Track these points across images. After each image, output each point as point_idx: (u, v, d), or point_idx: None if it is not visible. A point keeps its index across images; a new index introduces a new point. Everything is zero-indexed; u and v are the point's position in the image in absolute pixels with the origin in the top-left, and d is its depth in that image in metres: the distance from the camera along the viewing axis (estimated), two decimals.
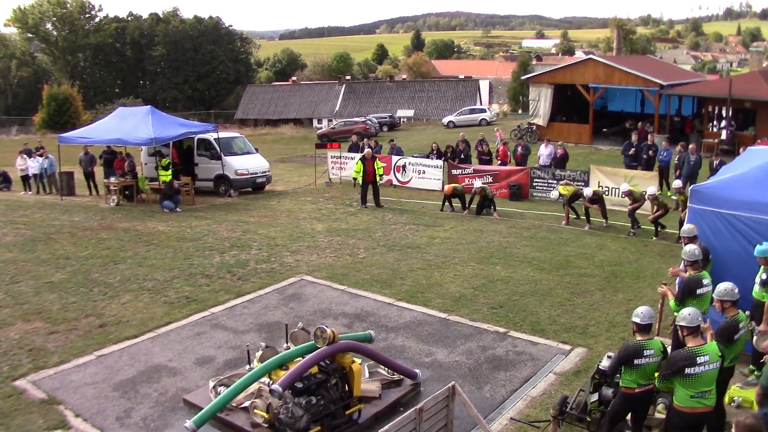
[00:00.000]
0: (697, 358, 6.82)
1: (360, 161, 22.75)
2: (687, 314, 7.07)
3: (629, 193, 18.44)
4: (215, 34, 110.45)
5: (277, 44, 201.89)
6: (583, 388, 8.50)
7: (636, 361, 7.23)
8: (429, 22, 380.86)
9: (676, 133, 33.81)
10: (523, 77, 53.74)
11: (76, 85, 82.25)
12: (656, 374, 7.19)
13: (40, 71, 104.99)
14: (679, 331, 7.27)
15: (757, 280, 9.37)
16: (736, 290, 8.04)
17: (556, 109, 39.47)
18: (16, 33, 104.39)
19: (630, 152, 24.38)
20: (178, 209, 21.91)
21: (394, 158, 26.89)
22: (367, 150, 24.01)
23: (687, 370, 6.79)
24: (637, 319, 7.42)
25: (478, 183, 21.03)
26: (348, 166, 27.63)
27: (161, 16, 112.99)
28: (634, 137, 24.89)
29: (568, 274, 14.60)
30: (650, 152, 23.91)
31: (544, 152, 25.63)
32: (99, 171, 27.09)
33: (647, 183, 19.69)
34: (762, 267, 9.39)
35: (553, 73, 40.61)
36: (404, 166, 26.51)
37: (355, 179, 23.77)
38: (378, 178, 22.84)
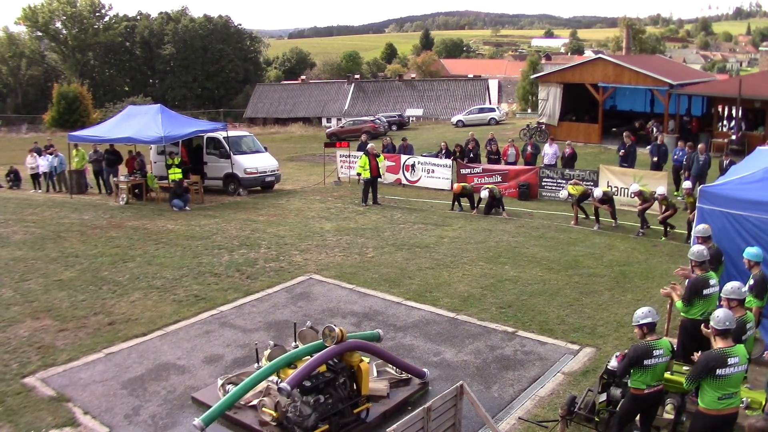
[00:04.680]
0: (728, 359, 6.77)
1: (364, 155, 22.84)
2: (717, 316, 7.01)
3: (639, 194, 18.38)
4: (224, 33, 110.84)
5: (286, 43, 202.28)
6: (591, 388, 8.48)
7: (646, 362, 7.22)
8: (438, 21, 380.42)
9: (685, 132, 33.68)
10: (532, 76, 53.79)
11: (85, 84, 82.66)
12: (683, 378, 7.10)
13: (49, 70, 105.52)
14: (709, 330, 7.20)
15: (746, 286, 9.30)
16: (743, 289, 8.03)
17: (566, 109, 39.35)
18: (25, 32, 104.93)
19: (620, 153, 24.22)
20: (187, 208, 21.97)
21: (403, 157, 26.89)
22: (370, 145, 24.16)
23: (718, 371, 6.73)
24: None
25: (484, 193, 20.90)
26: (357, 165, 27.67)
27: (171, 15, 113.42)
28: (627, 139, 24.47)
29: (577, 274, 14.57)
30: (658, 154, 23.77)
31: (549, 151, 25.53)
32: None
33: (657, 183, 19.62)
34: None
35: (563, 72, 40.51)
36: (413, 165, 26.50)
37: (359, 174, 23.74)
38: (380, 174, 23.02)
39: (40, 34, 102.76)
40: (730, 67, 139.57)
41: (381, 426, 8.45)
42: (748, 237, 10.09)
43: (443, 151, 27.03)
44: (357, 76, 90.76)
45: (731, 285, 8.03)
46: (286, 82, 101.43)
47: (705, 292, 8.94)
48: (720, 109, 35.25)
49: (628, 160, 23.90)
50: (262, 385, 8.71)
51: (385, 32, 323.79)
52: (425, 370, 9.68)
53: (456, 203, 21.82)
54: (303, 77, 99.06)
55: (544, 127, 38.79)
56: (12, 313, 12.44)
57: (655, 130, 34.61)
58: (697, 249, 9.23)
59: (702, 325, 7.95)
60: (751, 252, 9.34)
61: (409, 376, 9.61)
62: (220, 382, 9.45)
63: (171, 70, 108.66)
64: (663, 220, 17.72)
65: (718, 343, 6.96)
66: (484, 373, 10.06)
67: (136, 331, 11.69)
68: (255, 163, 25.69)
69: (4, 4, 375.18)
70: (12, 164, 31.93)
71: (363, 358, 8.90)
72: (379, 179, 23.63)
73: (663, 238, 17.67)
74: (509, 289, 13.64)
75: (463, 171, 25.12)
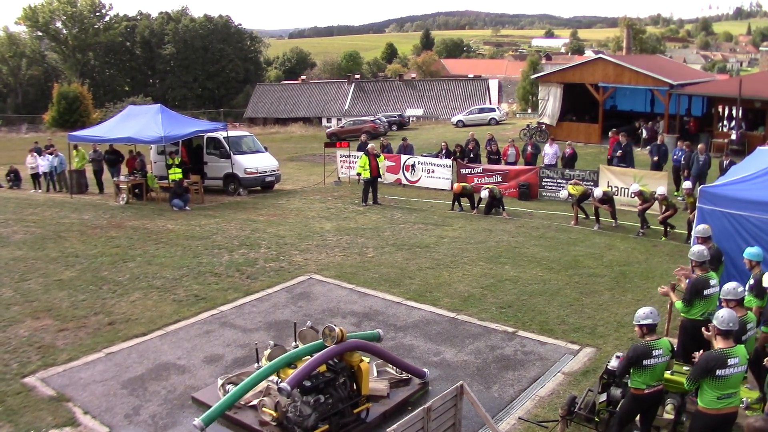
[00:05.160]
0: (728, 360, 6.79)
1: (365, 155, 22.87)
2: (721, 316, 7.02)
3: (639, 194, 18.38)
4: (225, 33, 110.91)
5: (286, 43, 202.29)
6: (591, 388, 8.48)
7: (645, 362, 7.22)
8: (438, 21, 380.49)
9: (684, 133, 33.71)
10: (532, 76, 53.76)
11: (86, 84, 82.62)
12: (683, 378, 7.13)
13: (50, 70, 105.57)
14: (711, 330, 7.23)
15: (746, 286, 9.28)
16: (740, 289, 8.03)
17: (566, 109, 39.35)
18: (26, 31, 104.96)
19: (618, 154, 24.23)
20: (187, 208, 21.97)
21: (404, 157, 26.89)
22: (370, 145, 24.21)
23: (718, 372, 6.75)
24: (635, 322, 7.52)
25: (484, 193, 20.90)
26: (357, 165, 27.69)
27: (171, 15, 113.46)
28: (622, 139, 24.55)
29: (577, 274, 14.57)
30: (659, 153, 23.81)
31: (549, 151, 25.52)
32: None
33: (657, 183, 19.62)
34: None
35: (563, 72, 40.50)
36: (413, 165, 26.50)
37: (359, 175, 23.78)
38: (381, 174, 23.18)
39: (40, 34, 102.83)
40: (731, 67, 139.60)
41: (381, 426, 8.45)
42: (748, 237, 10.09)
43: (443, 151, 27.02)
44: (357, 76, 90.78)
45: (728, 286, 8.04)
46: (286, 82, 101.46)
47: (705, 292, 8.94)
48: (720, 109, 35.25)
49: (626, 159, 23.92)
50: (262, 385, 8.71)
51: (386, 32, 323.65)
52: (425, 370, 9.68)
53: (456, 203, 21.82)
54: (303, 77, 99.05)
55: (544, 127, 38.77)
56: (12, 312, 12.44)
57: (644, 131, 34.72)
58: (697, 249, 9.23)
59: (702, 328, 7.95)
60: (751, 252, 9.33)
61: (409, 376, 9.61)
62: (220, 382, 9.46)
63: (171, 70, 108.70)
64: (663, 220, 17.72)
65: (718, 344, 6.97)
66: (484, 373, 10.06)
67: (136, 330, 11.69)
68: (255, 163, 25.68)
69: (4, 4, 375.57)
70: (12, 164, 31.94)
71: (363, 358, 8.90)
72: (379, 179, 23.65)
73: (663, 238, 17.67)
74: (509, 289, 13.64)
75: (463, 171, 25.12)
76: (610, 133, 27.26)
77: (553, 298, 13.14)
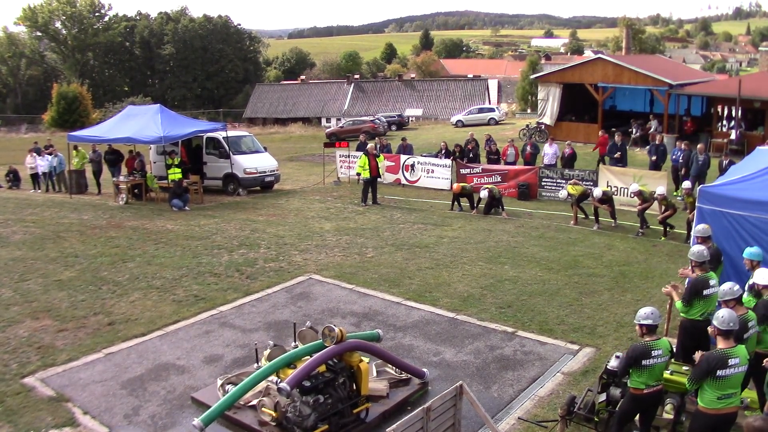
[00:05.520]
0: (729, 360, 6.80)
1: (364, 155, 22.88)
2: (721, 316, 7.02)
3: (639, 193, 18.38)
4: (224, 33, 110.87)
5: (285, 43, 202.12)
6: (591, 388, 8.48)
7: (644, 362, 7.22)
8: (438, 21, 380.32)
9: (681, 133, 33.74)
10: (532, 76, 53.69)
11: (85, 84, 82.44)
12: (683, 378, 7.14)
13: (49, 70, 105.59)
14: (712, 331, 7.24)
15: (746, 286, 9.26)
16: (736, 288, 8.02)
17: (565, 109, 39.35)
18: (25, 32, 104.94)
19: (615, 155, 24.29)
20: (186, 208, 21.96)
21: (403, 157, 26.88)
22: (370, 145, 24.23)
23: (719, 372, 6.76)
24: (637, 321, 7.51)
25: (484, 193, 20.89)
26: (356, 165, 27.67)
27: (170, 15, 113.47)
28: (617, 138, 24.77)
29: (577, 274, 14.57)
30: (657, 153, 23.86)
31: (549, 151, 25.54)
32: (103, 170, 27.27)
33: (657, 183, 19.62)
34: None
35: (562, 72, 40.49)
36: (413, 165, 26.49)
37: (359, 174, 23.78)
38: (380, 174, 23.32)
39: (39, 34, 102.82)
40: (730, 67, 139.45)
41: (380, 426, 8.46)
42: (747, 237, 10.06)
43: (443, 151, 27.01)
44: (357, 76, 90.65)
45: (724, 287, 8.04)
46: (285, 82, 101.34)
47: (705, 292, 8.92)
48: (719, 109, 35.26)
49: (622, 159, 24.01)
50: (262, 385, 8.70)
51: (385, 32, 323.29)
52: (425, 370, 9.68)
53: (455, 203, 21.83)
54: (303, 77, 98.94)
55: (543, 127, 38.77)
56: (12, 313, 12.44)
57: (635, 129, 34.77)
58: (697, 249, 9.22)
59: (709, 327, 7.95)
60: (751, 252, 9.32)
61: (409, 376, 9.61)
62: (219, 382, 9.45)
63: (171, 70, 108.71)
64: (662, 220, 17.72)
65: (719, 344, 6.98)
66: (483, 373, 10.06)
67: (136, 331, 11.69)
68: (254, 163, 25.68)
69: (4, 4, 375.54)
70: (11, 164, 31.92)
71: (363, 358, 8.90)
72: (378, 179, 23.65)
73: (662, 238, 17.67)
74: (509, 289, 13.65)
75: (462, 171, 25.12)
76: (600, 132, 27.42)
77: (552, 298, 13.15)
